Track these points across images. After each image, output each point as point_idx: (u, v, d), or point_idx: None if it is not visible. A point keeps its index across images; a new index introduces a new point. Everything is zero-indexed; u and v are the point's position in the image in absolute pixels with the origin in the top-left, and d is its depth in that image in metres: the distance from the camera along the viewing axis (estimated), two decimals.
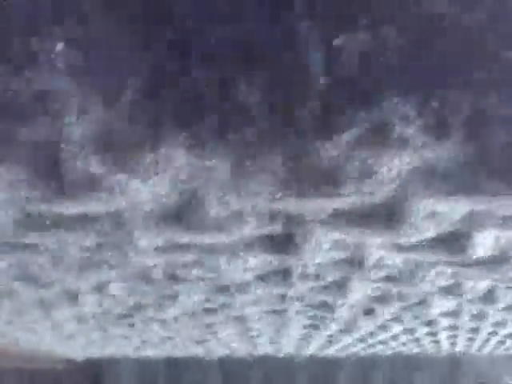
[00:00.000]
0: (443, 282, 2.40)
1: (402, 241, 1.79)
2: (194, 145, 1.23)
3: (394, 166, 1.36)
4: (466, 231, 1.76)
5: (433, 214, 1.63)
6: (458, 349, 5.32)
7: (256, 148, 1.24)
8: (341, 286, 2.60)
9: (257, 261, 2.01)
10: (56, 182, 1.31)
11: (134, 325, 3.57)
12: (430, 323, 3.79)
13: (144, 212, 1.55)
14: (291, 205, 1.55)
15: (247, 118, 1.20)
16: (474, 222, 1.67)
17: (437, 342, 4.88)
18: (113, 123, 1.19)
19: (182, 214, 1.55)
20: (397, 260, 2.07)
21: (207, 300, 2.76)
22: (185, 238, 1.73)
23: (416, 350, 5.60)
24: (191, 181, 1.38)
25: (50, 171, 1.29)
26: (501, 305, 2.75)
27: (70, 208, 1.49)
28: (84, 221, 1.61)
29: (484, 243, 1.82)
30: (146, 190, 1.38)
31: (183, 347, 5.00)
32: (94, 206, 1.47)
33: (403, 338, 4.68)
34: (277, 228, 1.73)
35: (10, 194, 1.39)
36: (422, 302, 2.95)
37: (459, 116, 1.19)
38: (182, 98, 1.19)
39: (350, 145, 1.25)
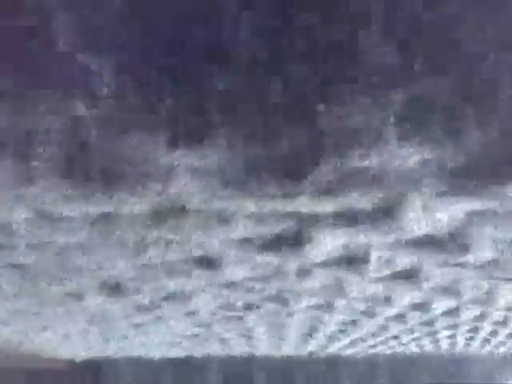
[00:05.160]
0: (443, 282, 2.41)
1: (402, 238, 1.79)
2: None
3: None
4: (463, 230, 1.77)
5: (429, 212, 1.64)
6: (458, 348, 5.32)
7: None
8: (341, 286, 2.61)
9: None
10: None
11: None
12: (430, 323, 3.79)
13: None
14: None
15: None
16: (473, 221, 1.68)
17: (437, 341, 4.88)
18: None
19: None
20: (398, 258, 2.08)
21: None
22: None
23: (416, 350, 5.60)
24: None
25: None
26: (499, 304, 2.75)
27: None
28: None
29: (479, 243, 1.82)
30: None
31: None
32: None
33: (405, 338, 4.67)
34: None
35: None
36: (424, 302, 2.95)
37: None
38: None
39: None
